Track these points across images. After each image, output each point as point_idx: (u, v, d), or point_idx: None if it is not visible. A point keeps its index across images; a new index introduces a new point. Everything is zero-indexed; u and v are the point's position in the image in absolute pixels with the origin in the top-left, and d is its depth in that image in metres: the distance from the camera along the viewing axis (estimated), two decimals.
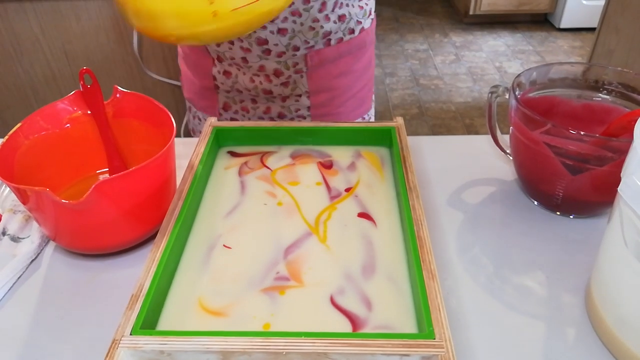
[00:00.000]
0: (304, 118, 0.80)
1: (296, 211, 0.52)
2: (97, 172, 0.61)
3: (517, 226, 0.55)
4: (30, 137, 0.53)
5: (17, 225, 0.55)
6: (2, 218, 0.56)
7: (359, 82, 0.81)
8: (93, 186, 0.43)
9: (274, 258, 0.47)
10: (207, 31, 0.44)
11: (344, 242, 0.48)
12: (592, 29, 2.48)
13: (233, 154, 0.60)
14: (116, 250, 0.52)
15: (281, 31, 0.69)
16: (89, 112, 0.58)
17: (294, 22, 0.68)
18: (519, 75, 0.56)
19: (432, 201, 0.58)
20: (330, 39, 0.72)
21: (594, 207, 0.55)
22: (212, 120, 0.61)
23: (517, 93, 0.55)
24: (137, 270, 0.47)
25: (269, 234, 0.49)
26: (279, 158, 0.60)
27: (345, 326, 0.41)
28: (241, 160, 0.59)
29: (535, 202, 0.58)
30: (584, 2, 2.96)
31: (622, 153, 0.46)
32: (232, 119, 0.82)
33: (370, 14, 0.77)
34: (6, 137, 0.51)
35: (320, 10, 0.69)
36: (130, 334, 0.37)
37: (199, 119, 0.86)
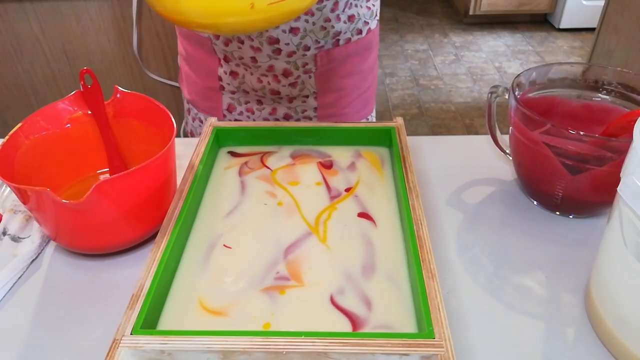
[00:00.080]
0: (310, 119, 0.80)
1: (296, 211, 0.52)
2: (98, 172, 0.61)
3: (516, 226, 0.55)
4: (31, 137, 0.53)
5: (18, 225, 0.55)
6: (3, 218, 0.56)
7: (364, 83, 0.81)
8: (93, 186, 0.43)
9: (274, 258, 0.47)
10: (239, 22, 0.45)
11: (344, 242, 0.48)
12: (591, 29, 2.48)
13: (233, 154, 0.60)
14: (116, 250, 0.52)
15: (293, 30, 0.69)
16: (89, 112, 0.58)
17: (307, 21, 0.68)
18: (518, 76, 0.56)
19: (432, 201, 0.58)
20: (339, 39, 0.73)
21: (594, 207, 0.55)
22: (213, 121, 0.61)
23: (516, 93, 0.55)
24: (137, 270, 0.47)
25: (269, 234, 0.49)
26: (279, 158, 0.60)
27: (345, 326, 0.41)
28: (241, 160, 0.60)
29: (535, 202, 0.58)
30: (584, 2, 2.96)
31: (621, 153, 0.46)
32: (236, 121, 0.81)
33: (376, 15, 0.77)
34: (7, 137, 0.51)
35: (332, 10, 0.69)
36: (131, 334, 0.37)
37: (200, 121, 0.85)
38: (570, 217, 0.56)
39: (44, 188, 0.43)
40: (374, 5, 0.76)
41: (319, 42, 0.71)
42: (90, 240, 0.50)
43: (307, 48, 0.71)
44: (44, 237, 0.54)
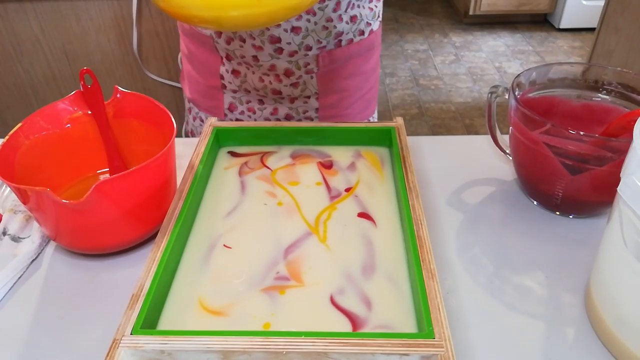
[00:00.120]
0: (312, 119, 0.80)
1: (296, 211, 0.52)
2: (98, 172, 0.61)
3: (516, 226, 0.55)
4: (31, 137, 0.53)
5: (18, 225, 0.55)
6: (3, 218, 0.56)
7: (366, 84, 0.81)
8: (93, 186, 0.43)
9: (274, 258, 0.47)
10: (243, 15, 0.44)
11: (344, 242, 0.48)
12: (591, 29, 2.48)
13: (233, 154, 0.60)
14: (116, 250, 0.52)
15: (295, 30, 0.69)
16: (89, 112, 0.58)
17: (308, 20, 0.68)
18: (518, 76, 0.56)
19: (432, 201, 0.58)
20: (341, 40, 0.72)
21: (594, 207, 0.55)
22: (213, 120, 0.61)
23: (516, 93, 0.55)
24: (137, 270, 0.47)
25: (269, 234, 0.49)
26: (279, 158, 0.60)
27: (345, 326, 0.41)
28: (241, 160, 0.60)
29: (535, 202, 0.58)
30: (584, 2, 2.96)
31: (621, 153, 0.46)
32: (237, 120, 0.81)
33: (378, 16, 0.77)
34: (7, 137, 0.51)
35: (334, 10, 0.69)
36: (131, 334, 0.37)
37: (201, 120, 0.85)
38: (570, 217, 0.56)
39: (44, 188, 0.43)
40: (376, 7, 0.75)
41: (321, 42, 0.71)
42: (90, 240, 0.50)
43: (309, 48, 0.71)
44: (44, 237, 0.54)
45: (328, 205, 0.53)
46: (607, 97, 0.57)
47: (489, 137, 0.62)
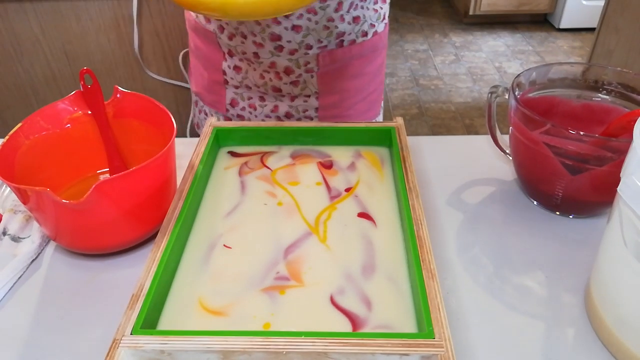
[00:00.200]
0: (311, 119, 0.80)
1: (296, 211, 0.52)
2: (98, 172, 0.61)
3: (516, 226, 0.55)
4: (31, 137, 0.53)
5: (18, 225, 0.55)
6: (3, 218, 0.56)
7: (369, 86, 0.81)
8: (93, 186, 0.43)
9: (274, 258, 0.47)
10: (248, 3, 0.44)
11: (344, 242, 0.48)
12: (591, 29, 2.48)
13: (233, 154, 0.60)
14: (116, 250, 0.52)
15: (295, 28, 0.69)
16: (89, 112, 0.58)
17: (309, 19, 0.68)
18: (518, 76, 0.56)
19: (432, 201, 0.58)
20: (343, 40, 0.72)
21: (594, 207, 0.55)
22: (213, 120, 0.61)
23: (516, 93, 0.55)
24: (137, 270, 0.47)
25: (269, 234, 0.49)
26: (279, 158, 0.60)
27: (345, 326, 0.41)
28: (241, 160, 0.60)
29: (535, 202, 0.58)
30: (584, 2, 2.96)
31: (621, 153, 0.46)
32: (238, 116, 0.82)
33: (384, 18, 0.77)
34: (7, 137, 0.51)
35: (336, 10, 0.69)
36: (131, 334, 0.37)
37: (206, 114, 0.86)
38: (570, 217, 0.56)
39: (44, 188, 0.43)
40: (381, 8, 0.75)
41: (322, 42, 0.71)
42: (90, 240, 0.50)
43: (310, 47, 0.71)
44: (44, 237, 0.54)
45: (328, 205, 0.53)
46: (607, 97, 0.57)
47: (489, 137, 0.62)
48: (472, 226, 0.55)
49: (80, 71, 0.55)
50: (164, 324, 0.41)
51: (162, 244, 0.44)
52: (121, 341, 0.36)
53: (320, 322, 0.41)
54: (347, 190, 0.55)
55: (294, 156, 0.60)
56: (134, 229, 0.50)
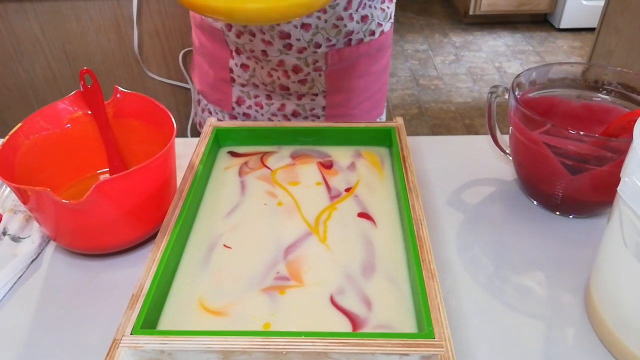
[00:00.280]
0: (318, 117, 0.80)
1: (296, 211, 0.52)
2: (98, 172, 0.61)
3: (516, 226, 0.55)
4: (31, 137, 0.53)
5: (18, 225, 0.55)
6: (3, 218, 0.56)
7: (375, 85, 0.81)
8: (93, 186, 0.43)
9: (274, 258, 0.47)
10: (256, 9, 0.44)
11: (344, 242, 0.48)
12: (591, 29, 2.48)
13: (233, 154, 0.60)
14: (116, 250, 0.52)
15: (305, 26, 0.69)
16: (89, 112, 0.58)
17: (319, 18, 0.68)
18: (518, 76, 0.56)
19: (432, 201, 0.58)
20: (351, 39, 0.72)
21: (594, 207, 0.55)
22: (213, 121, 0.61)
23: (516, 93, 0.55)
24: (137, 270, 0.47)
25: (269, 234, 0.49)
26: (279, 158, 0.60)
27: (345, 326, 0.41)
28: (241, 160, 0.60)
29: (535, 202, 0.58)
30: (584, 2, 2.96)
31: (621, 153, 0.46)
32: (244, 114, 0.82)
33: (390, 17, 0.77)
34: (7, 137, 0.51)
35: (345, 9, 0.69)
36: (131, 334, 0.37)
37: (210, 112, 0.86)
38: (570, 217, 0.56)
39: (44, 188, 0.43)
40: (388, 8, 0.75)
41: (331, 41, 0.71)
42: (90, 240, 0.50)
43: (318, 45, 0.71)
44: (44, 237, 0.54)
45: (328, 205, 0.53)
46: (607, 97, 0.57)
47: (489, 137, 0.62)
48: (472, 226, 0.55)
49: (80, 71, 0.55)
50: (164, 324, 0.41)
51: (162, 244, 0.44)
52: (121, 341, 0.36)
53: (320, 322, 0.41)
54: (347, 190, 0.55)
55: (294, 156, 0.60)
56: (134, 229, 0.50)
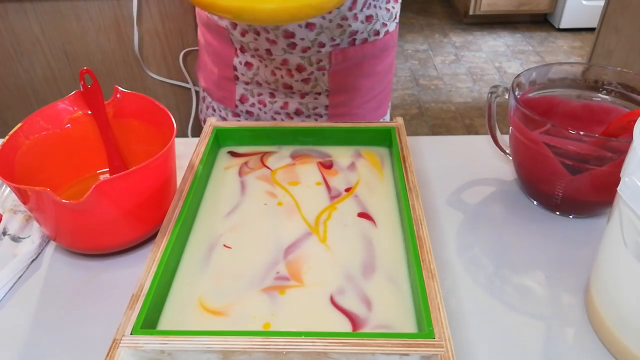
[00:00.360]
0: (321, 117, 0.80)
1: (296, 211, 0.52)
2: (98, 172, 0.61)
3: (516, 226, 0.55)
4: (31, 137, 0.53)
5: (18, 225, 0.55)
6: (3, 218, 0.56)
7: (379, 85, 0.81)
8: (93, 186, 0.43)
9: (274, 258, 0.47)
10: (267, 9, 0.44)
11: (344, 242, 0.48)
12: (591, 29, 2.48)
13: (233, 154, 0.60)
14: (116, 250, 0.52)
15: (309, 26, 0.69)
16: (89, 112, 0.58)
17: (323, 17, 0.68)
18: (518, 76, 0.56)
19: (432, 201, 0.58)
20: (355, 39, 0.72)
21: (594, 207, 0.55)
22: (213, 120, 0.61)
23: (516, 93, 0.55)
24: (137, 270, 0.47)
25: (269, 234, 0.49)
26: (279, 158, 0.60)
27: (345, 326, 0.41)
28: (241, 160, 0.60)
29: (535, 202, 0.58)
30: (584, 2, 2.96)
31: (621, 153, 0.46)
32: (248, 112, 0.82)
33: (395, 17, 0.77)
34: (7, 137, 0.51)
35: (349, 9, 0.69)
36: (131, 334, 0.37)
37: (214, 110, 0.86)
38: (570, 217, 0.56)
39: (44, 188, 0.43)
40: (393, 8, 0.75)
41: (335, 40, 0.71)
42: (90, 240, 0.50)
43: (322, 45, 0.71)
44: (44, 237, 0.54)
45: (328, 205, 0.53)
46: (607, 97, 0.57)
47: (489, 137, 0.62)
48: (472, 226, 0.55)
49: (80, 71, 0.55)
50: (164, 324, 0.41)
51: (162, 244, 0.44)
52: (121, 341, 0.36)
53: (320, 322, 0.41)
54: (347, 190, 0.55)
55: (294, 156, 0.60)
56: (134, 229, 0.50)
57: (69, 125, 0.57)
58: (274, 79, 0.76)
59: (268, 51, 0.72)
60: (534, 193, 0.58)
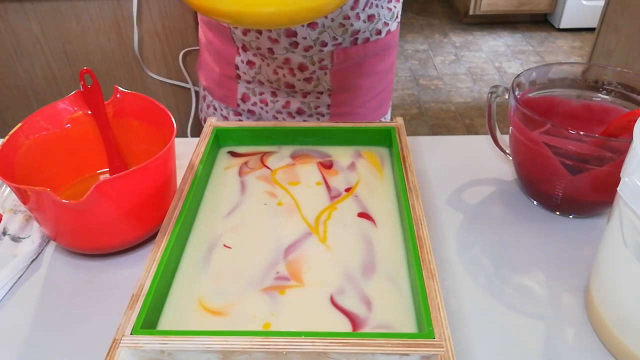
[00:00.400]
0: (323, 116, 0.80)
1: (296, 211, 0.52)
2: (98, 172, 0.61)
3: (516, 226, 0.55)
4: (31, 137, 0.53)
5: (18, 225, 0.55)
6: (3, 218, 0.56)
7: (381, 84, 0.81)
8: (93, 186, 0.43)
9: (274, 258, 0.47)
10: (265, 13, 0.45)
11: (344, 242, 0.48)
12: (591, 29, 2.48)
13: (233, 154, 0.60)
14: (116, 250, 0.52)
15: (311, 25, 0.69)
16: (89, 112, 0.58)
17: (325, 17, 0.68)
18: (518, 76, 0.56)
19: (432, 201, 0.58)
20: (357, 38, 0.72)
21: (594, 207, 0.55)
22: (212, 120, 0.61)
23: (516, 93, 0.55)
24: (137, 270, 0.47)
25: (269, 234, 0.49)
26: (279, 158, 0.60)
27: (345, 326, 0.41)
28: (241, 160, 0.60)
29: (535, 202, 0.58)
30: (584, 2, 2.96)
31: (621, 153, 0.46)
32: (249, 111, 0.82)
33: (397, 17, 0.77)
34: (7, 137, 0.51)
35: (352, 8, 0.69)
36: (131, 334, 0.37)
37: (215, 109, 0.86)
38: (570, 217, 0.56)
39: (44, 188, 0.43)
40: (395, 7, 0.75)
41: (337, 39, 0.71)
42: (90, 240, 0.50)
43: (325, 44, 0.71)
44: (44, 237, 0.54)
45: (328, 205, 0.53)
46: (607, 97, 0.57)
47: (489, 137, 0.62)
48: (472, 226, 0.55)
49: (80, 71, 0.55)
50: (164, 324, 0.41)
51: (162, 244, 0.44)
52: (121, 341, 0.36)
53: (320, 322, 0.41)
54: (347, 190, 0.54)
55: (294, 156, 0.60)
56: (134, 229, 0.50)
57: (69, 125, 0.57)
58: (276, 77, 0.76)
59: (270, 50, 0.72)
60: (534, 193, 0.58)
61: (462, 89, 2.56)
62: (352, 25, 0.70)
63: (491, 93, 0.57)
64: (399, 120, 0.61)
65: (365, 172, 0.57)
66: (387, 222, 0.50)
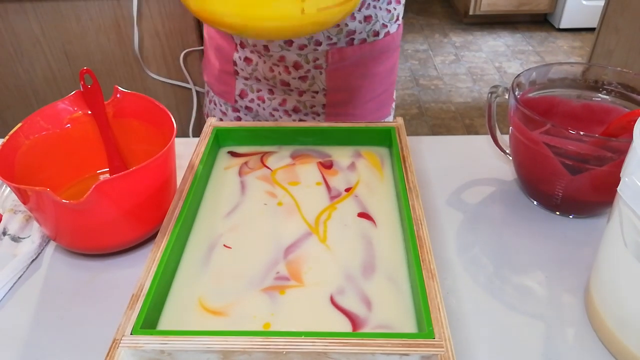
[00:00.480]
0: (319, 115, 0.80)
1: (296, 211, 0.52)
2: (98, 172, 0.61)
3: (516, 226, 0.55)
4: (31, 137, 0.53)
5: (18, 225, 0.55)
6: (3, 218, 0.56)
7: (380, 86, 0.80)
8: (93, 186, 0.43)
9: (274, 258, 0.47)
10: (270, 27, 0.45)
11: (344, 242, 0.48)
12: (591, 29, 2.48)
13: (233, 154, 0.60)
14: (116, 250, 0.52)
15: None
16: (89, 112, 0.58)
17: None
18: (518, 76, 0.56)
19: (432, 201, 0.58)
20: (353, 39, 0.72)
21: (594, 207, 0.55)
22: (212, 121, 0.61)
23: (516, 93, 0.55)
24: (137, 270, 0.47)
25: (269, 234, 0.49)
26: (279, 158, 0.60)
27: (345, 326, 0.41)
28: (241, 160, 0.60)
29: (535, 202, 0.58)
30: (584, 2, 2.96)
31: (621, 153, 0.46)
32: (247, 107, 0.82)
33: (397, 19, 0.76)
34: (7, 137, 0.51)
35: None
36: (131, 334, 0.37)
37: (215, 104, 0.87)
38: (570, 217, 0.56)
39: (44, 188, 0.43)
40: (395, 9, 0.75)
41: (331, 39, 0.71)
42: (90, 240, 0.50)
43: (319, 43, 0.71)
44: (44, 237, 0.54)
45: (328, 205, 0.53)
46: (607, 97, 0.57)
47: (489, 137, 0.62)
48: (472, 226, 0.55)
49: (80, 71, 0.55)
50: (164, 324, 0.41)
51: (162, 244, 0.44)
52: (121, 341, 0.36)
53: (320, 322, 0.41)
54: (347, 190, 0.55)
55: (294, 156, 0.60)
56: (134, 229, 0.50)
57: (69, 125, 0.57)
58: (272, 75, 0.76)
59: (265, 47, 0.72)
60: (534, 193, 0.58)
61: (462, 89, 2.56)
62: (347, 25, 0.70)
63: (491, 93, 0.57)
64: (399, 120, 0.61)
65: (365, 172, 0.57)
66: (387, 222, 0.50)
